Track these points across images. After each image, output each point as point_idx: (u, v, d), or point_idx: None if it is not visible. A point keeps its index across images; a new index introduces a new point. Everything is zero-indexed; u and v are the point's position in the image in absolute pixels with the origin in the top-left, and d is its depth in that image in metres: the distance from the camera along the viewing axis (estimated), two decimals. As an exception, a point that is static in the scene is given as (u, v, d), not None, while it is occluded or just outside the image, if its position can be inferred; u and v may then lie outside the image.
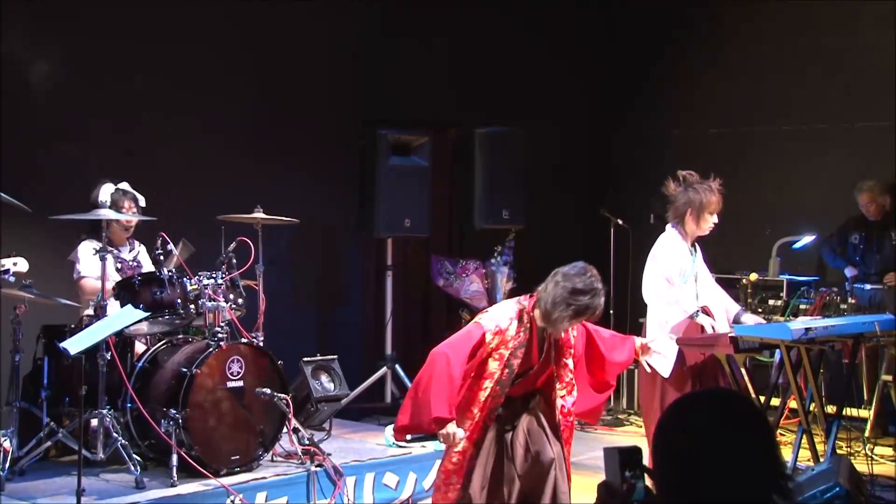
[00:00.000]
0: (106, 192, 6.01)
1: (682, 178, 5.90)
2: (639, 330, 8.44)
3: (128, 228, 6.17)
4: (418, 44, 8.63)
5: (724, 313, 5.92)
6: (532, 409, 4.83)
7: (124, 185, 6.10)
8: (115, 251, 5.76)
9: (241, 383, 5.56)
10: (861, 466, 5.51)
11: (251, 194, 6.52)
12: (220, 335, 5.60)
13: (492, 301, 8.11)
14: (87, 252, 6.03)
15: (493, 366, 4.66)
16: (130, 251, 6.23)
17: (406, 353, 8.24)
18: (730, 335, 5.53)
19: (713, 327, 5.73)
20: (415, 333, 8.70)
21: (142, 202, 6.12)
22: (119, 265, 5.91)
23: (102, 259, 5.54)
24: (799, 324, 5.45)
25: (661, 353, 5.30)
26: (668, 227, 5.97)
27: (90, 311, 5.66)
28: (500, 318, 4.70)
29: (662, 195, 6.10)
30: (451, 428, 4.52)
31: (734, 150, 8.89)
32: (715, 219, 5.87)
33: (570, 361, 4.86)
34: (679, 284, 5.84)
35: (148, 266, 6.20)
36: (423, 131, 8.06)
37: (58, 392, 5.60)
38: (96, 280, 5.88)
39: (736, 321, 5.85)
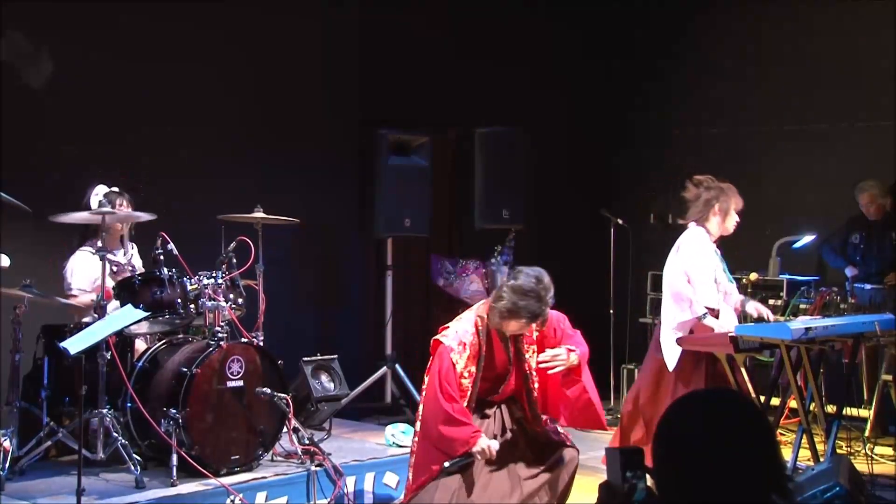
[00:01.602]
0: (98, 193, 6.01)
1: (699, 181, 5.96)
2: (639, 330, 8.45)
3: (120, 231, 6.16)
4: (418, 44, 8.63)
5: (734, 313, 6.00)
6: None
7: (114, 189, 6.08)
8: (111, 254, 5.74)
9: (241, 383, 5.56)
10: (861, 466, 5.50)
11: (251, 194, 6.51)
12: (220, 335, 5.60)
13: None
14: (79, 264, 6.01)
15: (464, 383, 4.76)
16: (125, 254, 6.21)
17: (406, 353, 8.24)
18: (730, 335, 5.53)
19: (720, 326, 5.74)
20: (415, 333, 8.69)
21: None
22: (114, 268, 5.90)
23: (102, 259, 5.54)
24: (799, 324, 5.45)
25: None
26: (692, 225, 6.00)
27: (88, 319, 5.65)
28: (462, 332, 4.78)
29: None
30: (483, 442, 4.63)
31: (734, 150, 8.89)
32: (737, 217, 5.99)
33: (532, 361, 4.91)
34: (700, 283, 5.85)
35: (142, 267, 6.18)
36: (423, 131, 8.06)
37: (58, 392, 5.60)
38: (90, 293, 5.89)
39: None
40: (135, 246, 6.29)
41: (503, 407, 4.97)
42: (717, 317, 5.87)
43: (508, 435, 4.91)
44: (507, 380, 4.92)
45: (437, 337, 4.83)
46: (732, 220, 6.00)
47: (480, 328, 4.81)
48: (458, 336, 4.78)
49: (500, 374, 4.91)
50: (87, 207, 5.87)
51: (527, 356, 4.93)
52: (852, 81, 8.31)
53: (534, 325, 4.80)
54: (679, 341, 5.78)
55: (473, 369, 4.77)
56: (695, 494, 2.21)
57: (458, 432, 4.64)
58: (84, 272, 5.99)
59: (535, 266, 4.86)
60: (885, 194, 7.66)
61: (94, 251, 5.80)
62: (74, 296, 5.96)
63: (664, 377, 5.91)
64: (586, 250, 9.12)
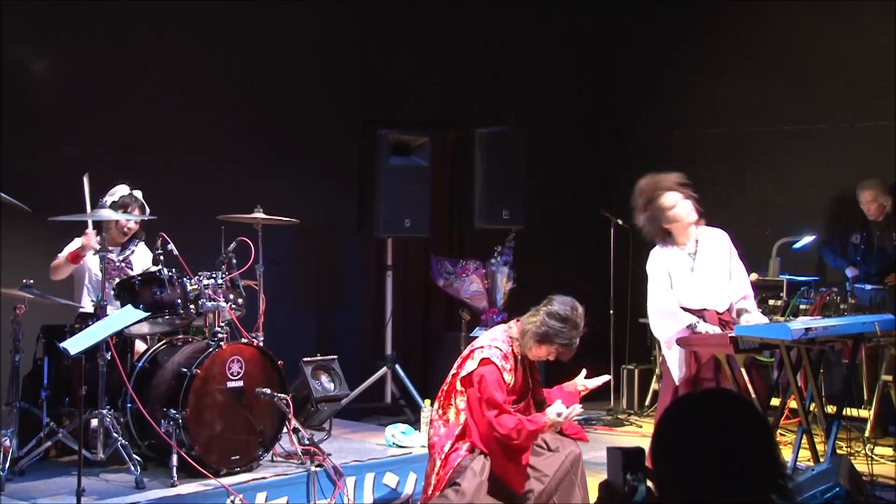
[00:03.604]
0: (118, 193, 6.02)
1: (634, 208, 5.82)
2: (639, 330, 8.43)
3: (125, 233, 6.16)
4: (418, 44, 8.63)
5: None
6: None
7: (137, 193, 6.09)
8: (106, 253, 5.74)
9: (241, 383, 5.56)
10: (861, 466, 5.50)
11: (251, 194, 6.51)
12: (220, 335, 5.60)
13: (492, 301, 8.12)
14: (75, 242, 6.06)
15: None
16: (121, 252, 6.21)
17: (406, 353, 8.25)
18: (730, 335, 5.52)
19: (713, 329, 5.71)
20: (415, 333, 8.70)
21: (147, 211, 6.11)
22: (105, 265, 5.90)
23: (102, 258, 5.54)
24: (799, 324, 5.44)
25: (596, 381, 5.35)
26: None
27: (89, 309, 5.65)
28: (506, 350, 4.86)
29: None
30: (549, 416, 4.69)
31: (734, 150, 8.89)
32: (680, 208, 5.68)
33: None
34: (672, 286, 5.78)
35: (139, 267, 6.18)
36: (423, 131, 8.06)
37: (58, 392, 5.60)
38: (61, 257, 5.96)
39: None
40: (140, 244, 6.28)
41: None
42: (703, 318, 5.82)
43: None
44: (519, 405, 4.97)
45: (485, 356, 4.82)
46: (673, 215, 5.68)
47: (515, 349, 4.90)
48: (503, 353, 4.84)
49: (517, 400, 4.97)
50: (101, 205, 5.87)
51: (538, 381, 5.07)
52: (852, 81, 8.31)
53: (559, 355, 4.89)
54: (679, 341, 5.76)
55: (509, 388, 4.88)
56: (694, 495, 2.21)
57: (533, 425, 4.72)
58: (72, 244, 6.03)
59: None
60: (886, 194, 7.66)
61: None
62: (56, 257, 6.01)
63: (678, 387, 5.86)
64: (586, 250, 9.12)
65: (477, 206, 8.31)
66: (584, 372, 5.26)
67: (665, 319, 5.75)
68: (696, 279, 5.79)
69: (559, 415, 4.70)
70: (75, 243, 6.02)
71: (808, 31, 8.59)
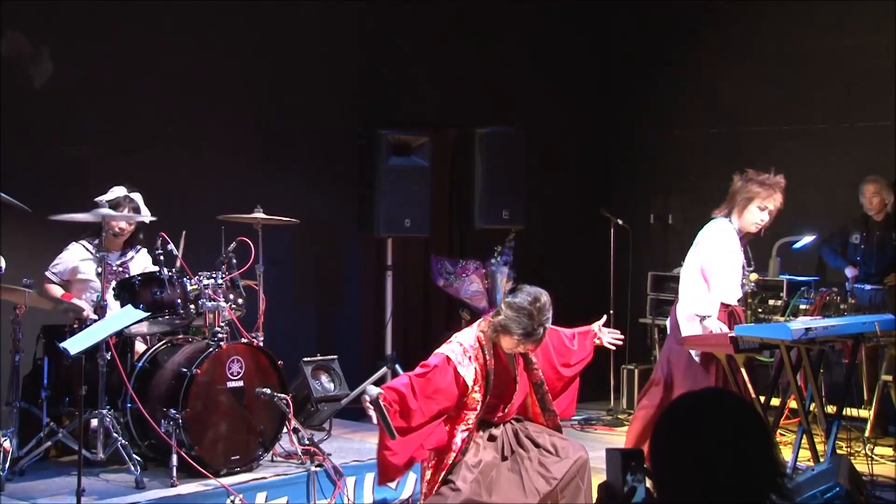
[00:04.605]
0: (113, 193, 6.01)
1: (747, 172, 5.94)
2: (639, 330, 8.44)
3: (116, 234, 6.10)
4: (418, 44, 8.63)
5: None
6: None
7: (136, 196, 6.06)
8: (106, 254, 5.73)
9: (241, 383, 5.56)
10: (861, 466, 5.51)
11: (251, 194, 6.51)
12: (220, 335, 5.60)
13: (492, 301, 8.12)
14: (66, 253, 6.04)
15: (475, 397, 4.81)
16: (120, 256, 6.19)
17: (406, 353, 8.24)
18: (730, 335, 5.53)
19: (720, 328, 5.72)
20: (415, 333, 8.70)
21: (143, 210, 6.10)
22: (100, 269, 5.89)
23: (102, 258, 5.54)
24: (799, 324, 5.45)
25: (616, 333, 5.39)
26: (716, 217, 5.95)
27: (92, 315, 5.65)
28: (467, 346, 4.82)
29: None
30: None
31: (734, 150, 8.88)
32: (763, 215, 5.87)
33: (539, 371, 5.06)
34: (719, 276, 5.80)
35: (138, 270, 6.16)
36: (423, 131, 8.06)
37: (58, 392, 5.60)
38: (57, 284, 5.99)
39: None
40: (140, 249, 6.26)
41: (509, 426, 5.01)
42: (733, 313, 5.84)
43: (521, 452, 4.94)
44: (512, 399, 4.96)
45: (442, 351, 4.80)
46: (752, 216, 5.84)
47: (483, 342, 4.85)
48: (463, 348, 4.81)
49: (505, 392, 4.94)
50: (97, 204, 5.87)
51: (535, 364, 5.01)
52: (852, 81, 8.31)
53: (527, 345, 4.83)
54: (681, 341, 5.77)
55: (482, 381, 4.82)
56: (693, 495, 2.21)
57: None
58: (65, 261, 6.04)
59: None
60: (889, 189, 7.66)
61: (88, 246, 5.96)
62: (47, 279, 6.01)
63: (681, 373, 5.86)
64: (586, 250, 9.12)
65: (477, 206, 8.31)
66: (604, 318, 5.37)
67: (697, 300, 5.79)
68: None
69: (368, 395, 4.61)
70: (66, 262, 6.03)
71: (809, 31, 8.59)
